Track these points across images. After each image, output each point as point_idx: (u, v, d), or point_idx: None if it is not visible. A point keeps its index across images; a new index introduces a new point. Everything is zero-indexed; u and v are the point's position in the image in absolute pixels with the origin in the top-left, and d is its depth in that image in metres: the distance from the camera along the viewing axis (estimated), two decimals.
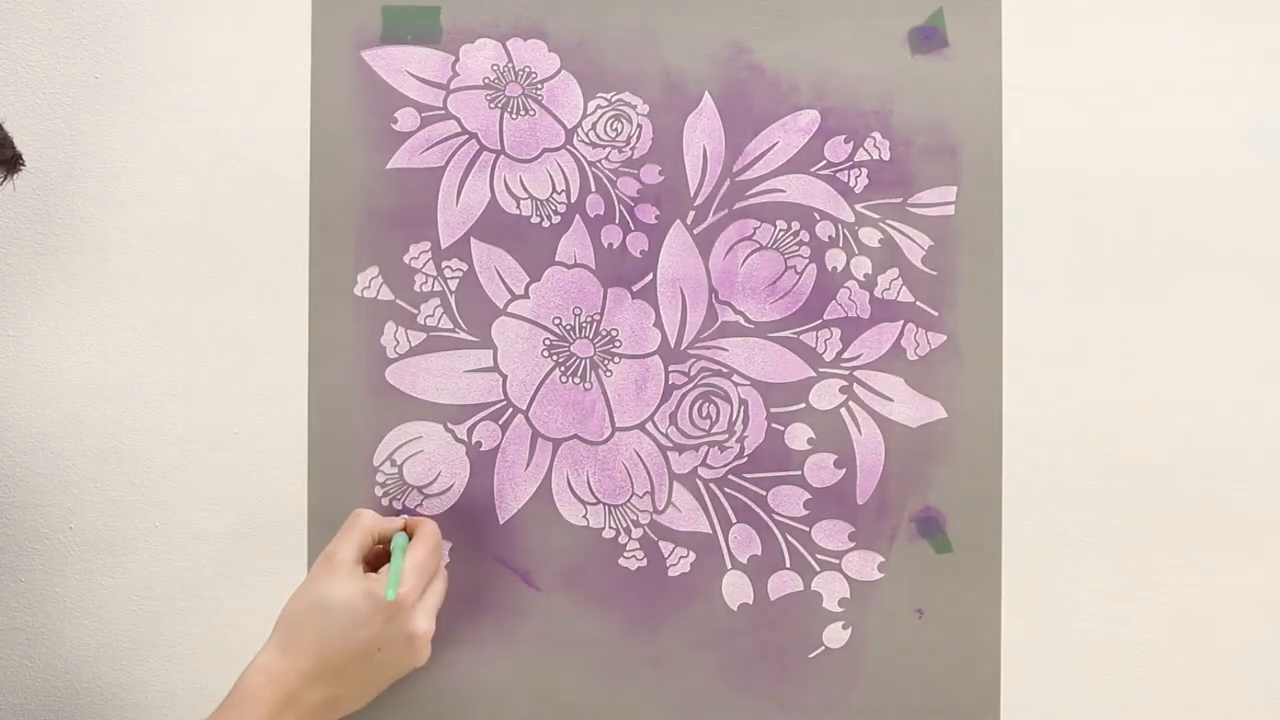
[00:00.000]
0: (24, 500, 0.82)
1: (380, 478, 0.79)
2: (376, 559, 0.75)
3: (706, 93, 0.80)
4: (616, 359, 0.79)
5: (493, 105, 0.79)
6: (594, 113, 0.80)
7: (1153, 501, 0.82)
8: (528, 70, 0.80)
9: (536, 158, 0.80)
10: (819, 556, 0.79)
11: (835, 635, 0.79)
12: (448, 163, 0.79)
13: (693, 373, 0.79)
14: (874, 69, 0.79)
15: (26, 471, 0.82)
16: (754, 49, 0.80)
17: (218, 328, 0.80)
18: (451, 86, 0.79)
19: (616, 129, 0.79)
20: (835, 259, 0.79)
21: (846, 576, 0.79)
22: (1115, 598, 0.82)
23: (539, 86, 0.80)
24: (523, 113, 0.80)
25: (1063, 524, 0.81)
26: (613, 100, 0.79)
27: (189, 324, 0.80)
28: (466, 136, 0.79)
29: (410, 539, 0.74)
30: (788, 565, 0.79)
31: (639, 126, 0.79)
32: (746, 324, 0.79)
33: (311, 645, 0.71)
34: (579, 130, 0.80)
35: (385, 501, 0.79)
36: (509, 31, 0.79)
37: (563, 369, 0.79)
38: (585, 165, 0.79)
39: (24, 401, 0.81)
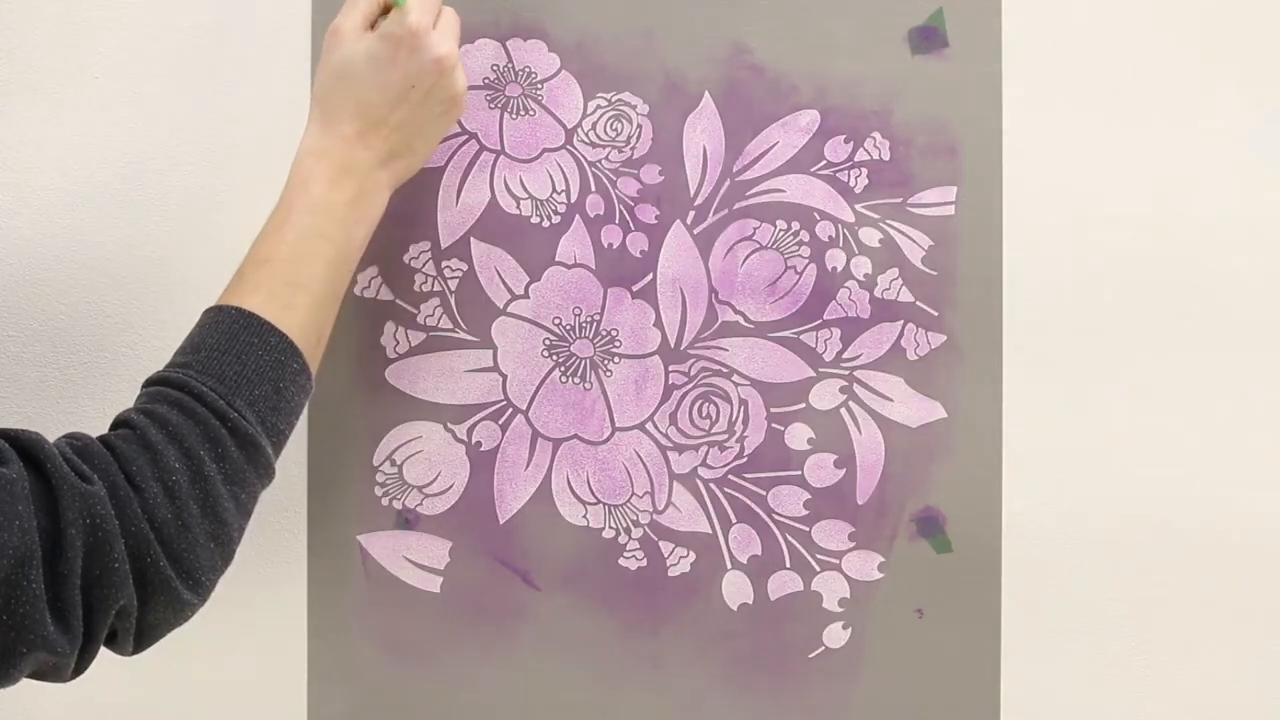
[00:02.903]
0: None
1: (380, 477, 0.79)
2: None
3: (706, 93, 0.81)
4: (616, 359, 0.81)
5: (492, 105, 0.81)
6: (594, 113, 0.81)
7: (1154, 499, 0.82)
8: (528, 70, 0.81)
9: (536, 158, 0.81)
10: (819, 556, 0.80)
11: (835, 635, 0.80)
12: (447, 163, 0.80)
13: (693, 373, 0.80)
14: (874, 69, 0.81)
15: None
16: (754, 49, 0.81)
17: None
18: None
19: (616, 129, 0.81)
20: (835, 259, 0.81)
21: (846, 576, 0.80)
22: (1115, 597, 0.82)
23: (539, 86, 0.81)
24: (523, 113, 0.81)
25: (1063, 523, 0.81)
26: (613, 100, 0.81)
27: (188, 323, 0.79)
28: (466, 137, 0.81)
29: None
30: (788, 565, 0.80)
31: (639, 126, 0.81)
32: (746, 324, 0.80)
33: (346, 108, 0.70)
34: (579, 130, 0.81)
35: (385, 501, 0.79)
36: (509, 31, 0.80)
37: (563, 369, 0.80)
38: (585, 165, 0.81)
39: (24, 401, 0.81)
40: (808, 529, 0.80)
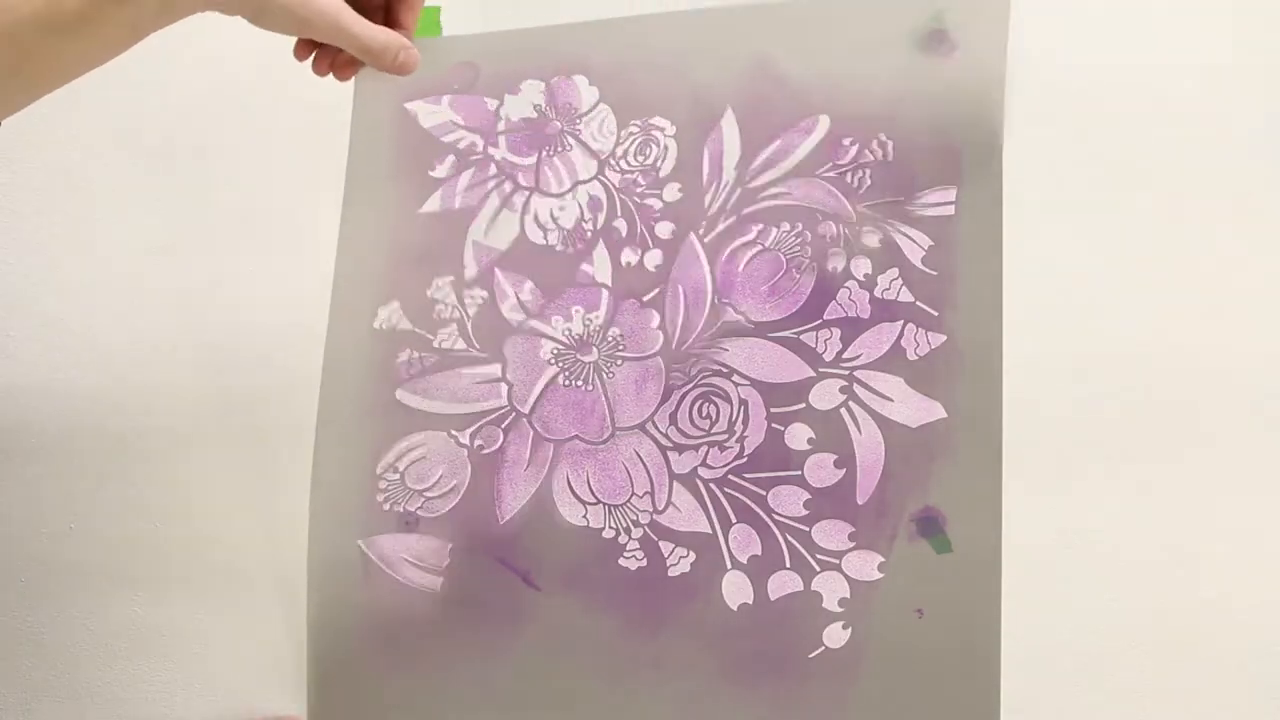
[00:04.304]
0: (24, 500, 0.82)
1: (383, 484, 0.78)
2: None
3: (729, 107, 0.82)
4: (620, 361, 0.81)
5: (532, 147, 0.82)
6: (626, 140, 0.83)
7: (1155, 500, 0.81)
8: (569, 106, 0.83)
9: (568, 191, 0.83)
10: (819, 556, 0.80)
11: (835, 635, 0.79)
12: (482, 203, 0.82)
13: (693, 373, 0.80)
14: (884, 72, 0.81)
15: (27, 472, 0.82)
16: (776, 60, 0.82)
17: (225, 341, 0.80)
18: (495, 130, 0.83)
19: (646, 153, 0.83)
20: (836, 259, 0.81)
21: (846, 576, 0.79)
22: (1115, 596, 0.81)
23: (578, 121, 0.83)
24: (560, 149, 0.83)
25: (1063, 523, 0.81)
26: (644, 125, 0.83)
27: (197, 331, 0.79)
28: (503, 178, 0.83)
29: None
30: (788, 565, 0.80)
31: (665, 148, 0.83)
32: (747, 324, 0.81)
33: None
34: (611, 158, 0.83)
35: (387, 507, 0.80)
36: (552, 70, 0.83)
37: (566, 373, 0.81)
38: (614, 192, 0.83)
39: (24, 403, 0.81)
40: (807, 529, 0.79)
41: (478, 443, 0.81)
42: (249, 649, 0.82)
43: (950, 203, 0.80)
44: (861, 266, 0.80)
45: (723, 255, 0.81)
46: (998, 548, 0.79)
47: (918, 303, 0.80)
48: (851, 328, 0.80)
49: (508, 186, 0.82)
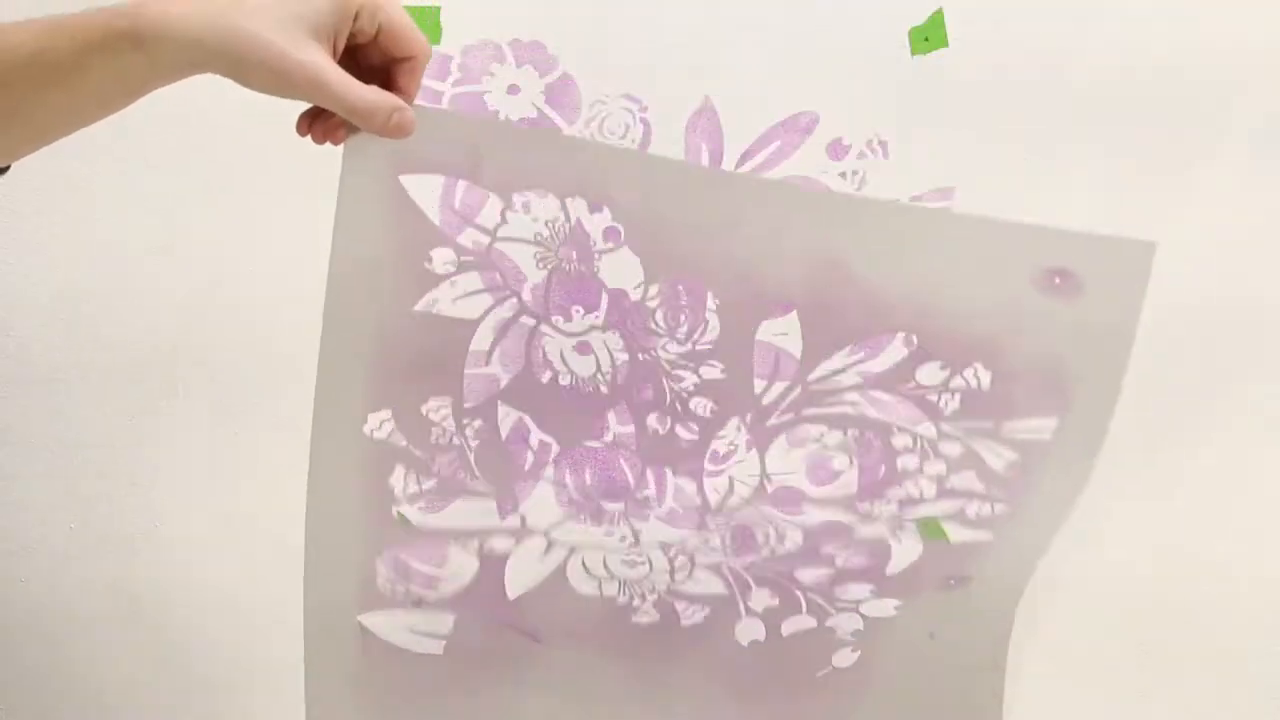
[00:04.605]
0: (24, 500, 0.81)
1: (382, 570, 0.74)
2: None
3: (790, 300, 0.70)
4: (650, 517, 0.74)
5: (541, 264, 0.71)
6: (656, 296, 0.70)
7: (1156, 500, 0.83)
8: (587, 237, 0.70)
9: (583, 333, 0.70)
10: (838, 604, 0.78)
11: (844, 657, 0.80)
12: (483, 317, 0.70)
13: (733, 522, 0.75)
14: (986, 302, 0.70)
15: (27, 471, 0.81)
16: (850, 263, 0.69)
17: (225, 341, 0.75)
18: (499, 235, 0.70)
19: (678, 319, 0.70)
20: (908, 460, 0.73)
21: (863, 616, 0.78)
22: (1116, 596, 0.84)
23: (597, 258, 0.69)
24: (574, 280, 0.70)
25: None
26: (678, 289, 0.70)
27: (197, 331, 0.76)
28: (508, 293, 0.70)
29: None
30: (803, 612, 0.78)
31: (706, 322, 0.70)
32: (799, 497, 0.74)
33: None
34: (637, 314, 0.70)
35: (387, 589, 0.74)
36: (571, 190, 0.69)
37: (590, 518, 0.74)
38: (637, 350, 0.71)
39: (24, 401, 0.79)
40: (830, 587, 0.77)
41: (488, 548, 0.74)
42: (248, 652, 0.83)
43: (1048, 430, 0.72)
44: (935, 468, 0.73)
45: (776, 444, 0.73)
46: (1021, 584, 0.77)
47: (990, 489, 0.74)
48: (912, 505, 0.74)
49: (512, 304, 0.70)
